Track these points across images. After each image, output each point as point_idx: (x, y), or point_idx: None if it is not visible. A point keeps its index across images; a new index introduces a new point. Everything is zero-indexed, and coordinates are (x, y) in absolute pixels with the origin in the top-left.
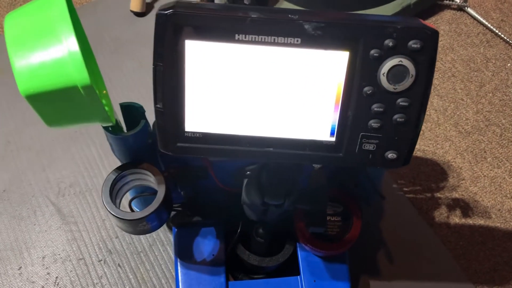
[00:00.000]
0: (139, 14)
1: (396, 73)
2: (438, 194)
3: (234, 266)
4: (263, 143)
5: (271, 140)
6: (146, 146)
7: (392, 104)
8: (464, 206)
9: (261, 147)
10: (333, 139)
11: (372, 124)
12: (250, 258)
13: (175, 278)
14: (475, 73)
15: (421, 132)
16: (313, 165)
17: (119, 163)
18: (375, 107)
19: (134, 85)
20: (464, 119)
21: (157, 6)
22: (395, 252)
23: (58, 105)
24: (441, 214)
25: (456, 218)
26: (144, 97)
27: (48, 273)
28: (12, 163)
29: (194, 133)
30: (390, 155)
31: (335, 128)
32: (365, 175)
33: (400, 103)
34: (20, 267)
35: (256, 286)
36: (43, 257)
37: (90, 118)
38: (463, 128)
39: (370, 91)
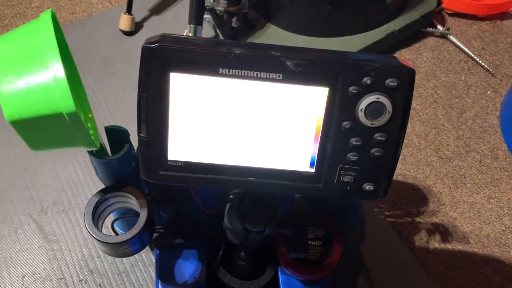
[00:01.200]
0: (128, 33)
1: (374, 109)
2: (418, 219)
3: None
4: (245, 173)
5: (252, 170)
6: (129, 169)
7: (370, 138)
8: (444, 231)
9: (243, 176)
10: (313, 170)
11: (350, 157)
12: (231, 281)
13: None
14: (457, 99)
15: (403, 157)
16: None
17: (102, 183)
18: (353, 141)
19: (121, 103)
20: (445, 144)
21: (146, 25)
22: (375, 276)
23: (43, 130)
24: (421, 239)
25: (435, 243)
26: (131, 116)
27: None
28: None
29: (176, 161)
30: (368, 187)
31: (314, 160)
32: (346, 200)
33: (377, 138)
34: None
35: None
36: (23, 276)
37: (75, 143)
38: (444, 154)
39: (349, 126)
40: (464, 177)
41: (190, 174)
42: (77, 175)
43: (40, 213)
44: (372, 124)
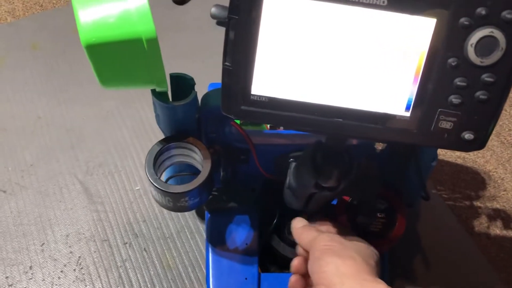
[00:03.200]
0: (179, 2)
1: (485, 45)
2: (478, 203)
3: (267, 257)
4: (333, 113)
5: (341, 111)
6: (193, 120)
7: (476, 79)
8: (506, 218)
9: (329, 117)
10: (408, 114)
11: (453, 99)
12: (285, 250)
13: (204, 268)
14: None
15: None
16: (375, 146)
17: (150, 145)
18: (458, 81)
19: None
20: (506, 130)
21: None
22: (433, 258)
23: (117, 59)
24: (481, 224)
25: (497, 229)
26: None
27: (71, 252)
28: (41, 139)
29: (260, 96)
30: (467, 135)
31: (411, 102)
32: (415, 168)
33: (485, 79)
34: (43, 244)
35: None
36: (67, 235)
37: (147, 78)
38: (505, 139)
39: (455, 63)
40: None
41: (273, 111)
42: (124, 139)
43: (86, 174)
44: (481, 63)
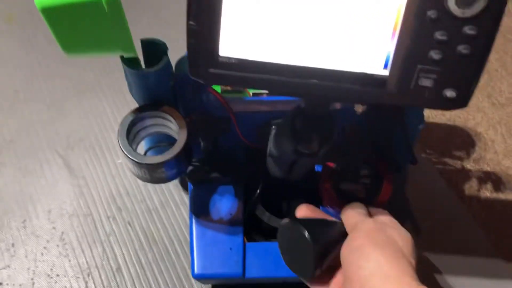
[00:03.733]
0: None
1: None
2: (468, 166)
3: (252, 227)
4: (307, 74)
5: (316, 71)
6: (167, 88)
7: (458, 32)
8: (496, 180)
9: (304, 78)
10: (387, 72)
11: (433, 54)
12: (270, 220)
13: (189, 237)
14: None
15: None
16: (355, 109)
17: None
18: (438, 35)
19: (152, 22)
20: (498, 90)
21: None
22: (422, 223)
23: (77, 24)
24: (471, 187)
25: (487, 192)
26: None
27: (54, 228)
28: (19, 114)
29: (229, 58)
30: (449, 93)
31: (389, 60)
32: (402, 131)
33: (467, 31)
34: (25, 220)
35: (275, 249)
36: (49, 211)
37: (112, 43)
38: (496, 100)
39: (435, 16)
40: None
41: (244, 74)
42: (105, 113)
43: (67, 149)
44: (462, 14)
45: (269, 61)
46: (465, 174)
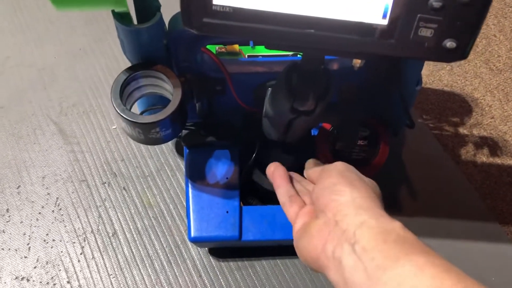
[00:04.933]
0: None
1: None
2: (465, 132)
3: (248, 192)
4: (304, 24)
5: (313, 21)
6: (160, 46)
7: None
8: (493, 145)
9: (301, 28)
10: (385, 22)
11: (433, 3)
12: (265, 183)
13: (185, 201)
14: (510, 8)
15: (449, 67)
16: (353, 64)
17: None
18: None
19: None
20: (496, 56)
21: None
22: (418, 187)
23: None
24: (467, 152)
25: (483, 157)
26: None
27: (48, 193)
28: (11, 80)
29: (223, 7)
30: (449, 43)
31: (388, 9)
32: (399, 92)
33: None
34: (19, 186)
35: (271, 212)
36: (43, 177)
37: None
38: (494, 66)
39: None
40: None
41: (239, 23)
42: (99, 78)
43: (60, 114)
44: None
45: (264, 10)
46: (462, 139)
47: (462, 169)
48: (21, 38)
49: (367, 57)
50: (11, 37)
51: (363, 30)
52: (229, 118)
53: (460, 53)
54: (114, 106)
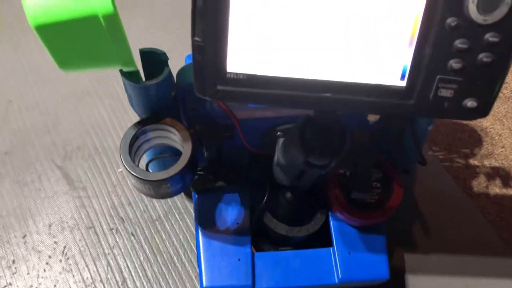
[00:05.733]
0: None
1: (488, 0)
2: (476, 162)
3: (260, 236)
4: (320, 88)
5: (329, 85)
6: (169, 99)
7: (479, 40)
8: (505, 176)
9: (317, 92)
10: (404, 83)
11: (453, 64)
12: (277, 227)
13: (195, 249)
14: None
15: None
16: (368, 118)
17: (130, 125)
18: (459, 43)
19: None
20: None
21: None
22: (432, 222)
23: (73, 40)
24: (479, 184)
25: (496, 188)
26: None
27: (55, 242)
28: (14, 124)
29: (237, 74)
30: (470, 103)
31: (406, 70)
32: (411, 135)
33: (489, 39)
34: (25, 235)
35: (285, 258)
36: (50, 225)
37: (110, 58)
38: (501, 93)
39: (455, 23)
40: None
41: (254, 90)
42: (102, 119)
43: (64, 159)
44: (484, 21)
45: (280, 76)
46: (473, 170)
47: (475, 201)
48: (23, 80)
49: (385, 116)
50: (13, 79)
51: (381, 92)
52: (238, 161)
53: (482, 111)
54: (124, 164)
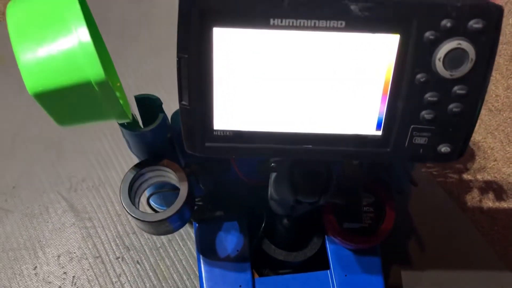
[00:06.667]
0: None
1: (454, 58)
2: (469, 177)
3: (259, 261)
4: (302, 140)
5: (310, 137)
6: (165, 141)
7: (448, 92)
8: (498, 189)
9: (299, 144)
10: (380, 133)
11: (425, 115)
12: (275, 252)
13: (198, 275)
14: (504, 46)
15: None
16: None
17: (132, 155)
18: (429, 96)
19: (145, 72)
20: (493, 96)
21: None
22: (427, 240)
23: (69, 103)
24: (473, 198)
25: (489, 202)
26: (158, 86)
27: (65, 273)
28: (20, 158)
29: (224, 131)
30: (444, 148)
31: (382, 121)
32: (399, 163)
33: (457, 91)
34: (36, 267)
35: (284, 282)
36: (59, 256)
37: (105, 115)
38: (493, 106)
39: (424, 79)
40: None
41: (240, 145)
42: (105, 150)
43: (70, 190)
44: (451, 76)
45: (263, 131)
46: (466, 185)
47: (468, 215)
48: (28, 115)
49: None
50: (18, 114)
51: (359, 141)
52: (235, 190)
53: (456, 155)
54: (124, 206)
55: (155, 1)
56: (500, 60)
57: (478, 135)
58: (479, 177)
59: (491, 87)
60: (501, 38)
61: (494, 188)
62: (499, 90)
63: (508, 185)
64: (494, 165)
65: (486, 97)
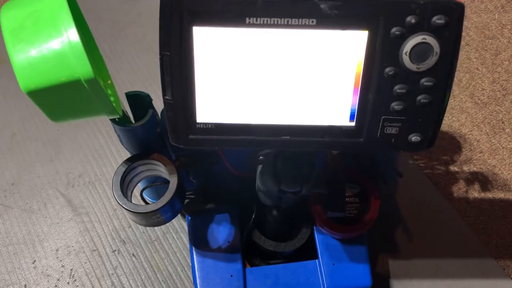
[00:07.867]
0: None
1: (420, 52)
2: (455, 168)
3: (250, 251)
4: (279, 132)
5: (287, 128)
6: (155, 135)
7: (416, 84)
8: (483, 180)
9: (277, 135)
10: (353, 124)
11: (395, 106)
12: (265, 243)
13: (191, 266)
14: (490, 40)
15: None
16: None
17: (127, 150)
18: (397, 89)
19: (138, 69)
20: (480, 89)
21: None
22: (414, 229)
23: (61, 99)
24: (459, 189)
25: (475, 192)
26: (150, 83)
27: (63, 266)
28: (19, 155)
29: (206, 124)
30: (414, 138)
31: (354, 113)
32: (382, 154)
33: (424, 83)
34: (35, 261)
35: (274, 272)
36: (57, 250)
37: (96, 112)
38: (479, 99)
39: (392, 72)
40: (502, 122)
41: (221, 137)
42: (101, 146)
43: (67, 186)
44: (418, 69)
45: (243, 123)
46: (453, 176)
47: (455, 206)
48: (26, 114)
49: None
50: (16, 113)
51: (334, 132)
52: (226, 183)
53: (427, 144)
54: (116, 197)
55: (146, 1)
56: (486, 54)
57: (464, 128)
58: (465, 168)
59: (477, 81)
60: (487, 33)
61: (480, 179)
62: (485, 83)
63: (493, 176)
64: (480, 157)
65: (473, 90)
